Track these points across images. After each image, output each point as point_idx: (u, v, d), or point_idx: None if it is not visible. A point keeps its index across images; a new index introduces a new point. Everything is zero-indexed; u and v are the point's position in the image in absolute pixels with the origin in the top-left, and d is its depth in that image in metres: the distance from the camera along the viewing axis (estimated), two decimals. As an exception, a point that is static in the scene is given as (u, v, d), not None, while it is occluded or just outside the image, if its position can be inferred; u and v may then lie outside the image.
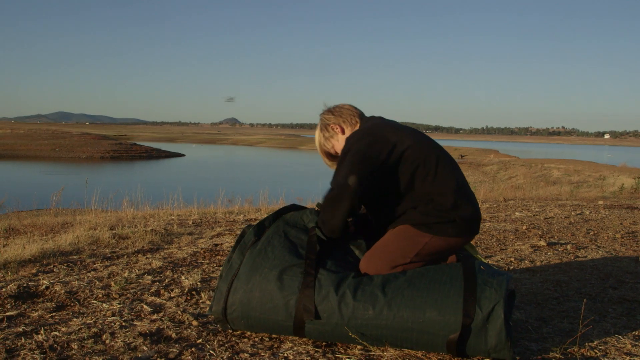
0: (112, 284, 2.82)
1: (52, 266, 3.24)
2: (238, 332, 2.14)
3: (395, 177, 2.14)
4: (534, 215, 6.31)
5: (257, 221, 2.34)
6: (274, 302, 2.00)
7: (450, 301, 1.87)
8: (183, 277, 3.00)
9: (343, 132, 2.39)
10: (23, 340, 2.04)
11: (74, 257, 3.53)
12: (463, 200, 2.16)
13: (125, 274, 3.03)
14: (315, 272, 2.01)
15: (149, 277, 2.98)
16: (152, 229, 4.56)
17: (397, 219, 2.19)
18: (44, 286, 2.76)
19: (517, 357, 1.96)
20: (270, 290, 2.01)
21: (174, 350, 1.96)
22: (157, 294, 2.69)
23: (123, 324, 2.23)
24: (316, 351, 1.97)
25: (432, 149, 2.19)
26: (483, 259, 2.25)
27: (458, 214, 2.13)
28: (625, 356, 2.01)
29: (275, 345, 2.03)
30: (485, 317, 1.83)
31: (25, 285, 2.77)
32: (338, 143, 2.40)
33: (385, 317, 1.90)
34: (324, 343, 2.05)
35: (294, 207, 2.40)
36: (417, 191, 2.14)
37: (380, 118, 2.36)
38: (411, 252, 2.12)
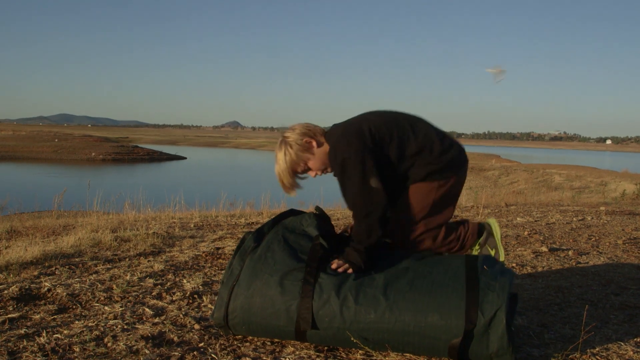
0: (114, 286, 2.83)
1: (53, 268, 3.25)
2: (240, 337, 2.14)
3: (386, 155, 2.28)
4: (535, 221, 6.31)
5: (258, 225, 2.34)
6: (275, 307, 2.00)
7: (453, 306, 1.87)
8: (185, 281, 3.00)
9: (319, 144, 2.36)
10: (25, 343, 2.04)
11: (76, 259, 3.53)
12: (447, 143, 2.37)
13: (127, 277, 3.04)
14: (314, 280, 2.01)
15: (151, 280, 2.99)
16: (153, 232, 4.57)
17: (402, 185, 2.36)
18: (45, 288, 2.77)
19: (519, 363, 1.96)
20: (271, 295, 2.01)
21: (176, 353, 1.97)
22: (159, 297, 2.70)
23: (125, 327, 2.24)
24: (318, 356, 1.97)
25: (399, 117, 2.38)
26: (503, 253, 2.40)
27: (447, 157, 2.34)
28: (627, 363, 2.01)
29: (277, 350, 2.03)
30: (487, 323, 1.83)
31: (27, 287, 2.77)
32: (313, 157, 2.36)
33: (387, 320, 1.90)
34: (325, 348, 2.05)
35: (292, 212, 2.42)
36: (408, 156, 2.30)
37: (336, 124, 2.43)
38: (428, 205, 2.33)
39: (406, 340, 1.90)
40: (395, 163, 2.30)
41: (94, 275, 3.11)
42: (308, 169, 2.41)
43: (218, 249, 3.97)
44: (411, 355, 1.99)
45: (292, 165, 2.37)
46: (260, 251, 2.15)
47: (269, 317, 2.01)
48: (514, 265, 3.70)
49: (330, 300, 1.96)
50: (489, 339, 1.83)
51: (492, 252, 2.45)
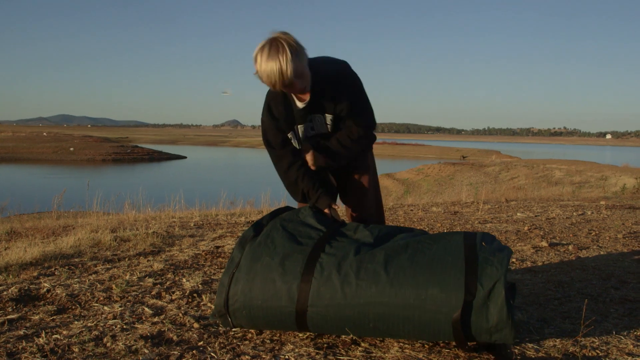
0: (114, 286, 2.82)
1: (53, 269, 3.25)
2: (239, 334, 2.14)
3: None
4: (535, 216, 6.30)
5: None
6: (276, 288, 2.01)
7: (452, 279, 1.88)
8: (184, 280, 3.00)
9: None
10: (24, 344, 2.04)
11: (76, 260, 3.53)
12: None
13: (127, 277, 3.04)
14: (317, 256, 2.04)
15: (150, 280, 2.98)
16: (153, 232, 4.57)
17: None
18: (45, 289, 2.77)
19: (518, 357, 1.96)
20: (272, 277, 2.02)
21: (175, 352, 1.96)
22: (159, 296, 2.69)
23: (124, 326, 2.23)
24: (317, 353, 1.97)
25: None
26: None
27: None
28: (626, 356, 2.01)
29: (277, 347, 2.03)
30: (486, 294, 1.84)
31: (26, 288, 2.77)
32: (304, 72, 2.26)
33: (388, 294, 1.90)
34: (325, 344, 2.05)
35: (288, 208, 2.48)
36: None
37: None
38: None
39: (407, 315, 1.90)
40: None
41: (93, 275, 3.11)
42: (298, 78, 2.25)
43: (218, 247, 3.97)
44: (411, 352, 1.99)
45: (295, 72, 2.19)
46: (260, 239, 2.18)
47: (270, 299, 2.01)
48: (513, 260, 3.69)
49: (332, 277, 1.97)
50: (488, 311, 1.83)
51: None
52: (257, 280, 2.03)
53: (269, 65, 2.16)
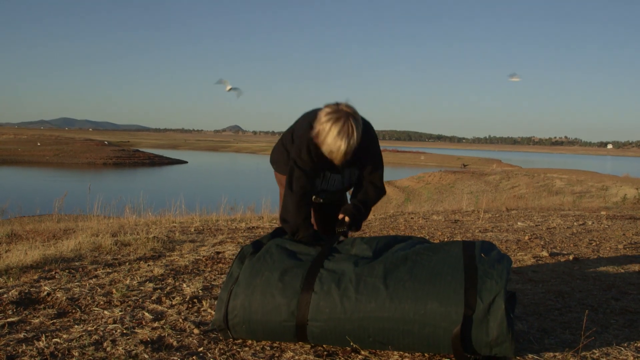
0: (114, 291, 2.82)
1: (53, 272, 3.25)
2: (239, 341, 2.14)
3: None
4: (536, 226, 6.30)
5: (258, 229, 2.37)
6: (275, 302, 2.01)
7: (452, 293, 1.88)
8: (185, 285, 3.00)
9: None
10: (24, 347, 2.04)
11: (76, 263, 3.53)
12: None
13: (127, 281, 3.03)
14: (316, 271, 2.05)
15: (151, 285, 2.98)
16: (154, 236, 4.56)
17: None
18: (45, 292, 2.76)
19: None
20: (271, 291, 2.03)
21: (175, 358, 1.96)
22: (159, 301, 2.69)
23: (124, 331, 2.23)
24: (317, 360, 1.97)
25: None
26: None
27: None
28: (627, 368, 2.00)
29: (277, 355, 2.02)
30: (486, 308, 1.84)
31: (26, 291, 2.77)
32: None
33: (388, 309, 1.90)
34: (325, 352, 2.04)
35: None
36: None
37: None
38: None
39: (407, 329, 1.90)
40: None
41: (93, 279, 3.10)
42: None
43: (218, 253, 3.97)
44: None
45: (355, 147, 2.33)
46: (259, 254, 2.19)
47: (269, 313, 2.01)
48: (514, 269, 3.69)
49: (332, 291, 1.97)
50: (488, 325, 1.83)
51: None
52: (257, 294, 2.04)
53: (337, 144, 2.26)
